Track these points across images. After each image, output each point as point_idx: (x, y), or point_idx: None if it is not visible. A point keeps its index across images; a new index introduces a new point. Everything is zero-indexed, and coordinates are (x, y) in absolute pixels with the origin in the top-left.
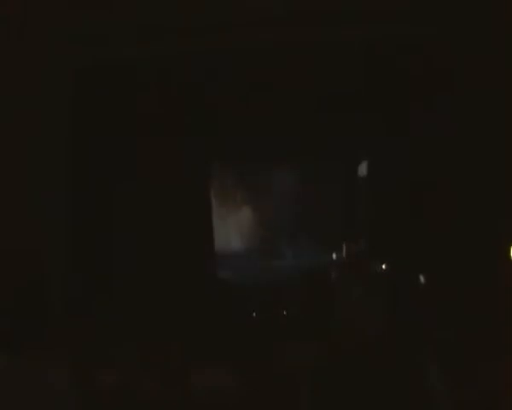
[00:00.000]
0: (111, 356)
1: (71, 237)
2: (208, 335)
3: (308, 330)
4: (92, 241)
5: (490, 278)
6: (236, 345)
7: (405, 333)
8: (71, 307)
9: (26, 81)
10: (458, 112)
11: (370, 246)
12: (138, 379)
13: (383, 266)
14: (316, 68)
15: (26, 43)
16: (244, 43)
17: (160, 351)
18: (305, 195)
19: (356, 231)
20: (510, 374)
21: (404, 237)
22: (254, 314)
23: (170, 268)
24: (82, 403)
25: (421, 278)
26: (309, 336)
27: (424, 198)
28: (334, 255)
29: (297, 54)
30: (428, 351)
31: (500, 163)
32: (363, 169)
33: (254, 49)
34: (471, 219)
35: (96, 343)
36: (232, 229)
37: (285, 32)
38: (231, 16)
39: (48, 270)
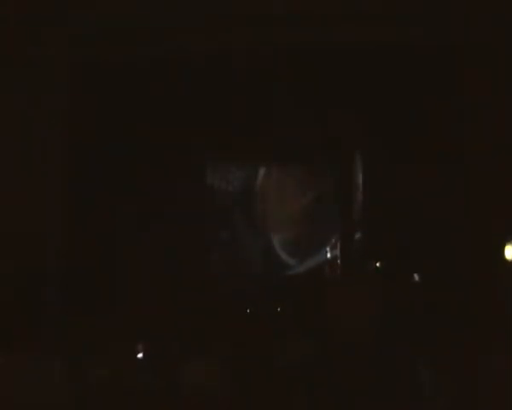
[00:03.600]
0: (106, 351)
1: (70, 237)
2: (205, 332)
3: (306, 327)
4: (91, 240)
5: (486, 277)
6: (233, 342)
7: (401, 331)
8: (68, 305)
9: (26, 81)
10: (458, 112)
11: (367, 245)
12: (133, 373)
13: (379, 265)
14: (317, 69)
15: (26, 42)
16: (243, 44)
17: (157, 347)
18: (302, 195)
19: (352, 231)
20: (506, 373)
21: (401, 236)
22: (248, 311)
23: (168, 265)
24: (77, 397)
25: (417, 277)
26: (306, 334)
27: (421, 198)
28: (330, 254)
29: (298, 54)
30: (424, 350)
31: (498, 165)
32: (360, 169)
33: (253, 49)
34: (469, 218)
35: (91, 338)
36: (232, 229)
37: (285, 33)
38: (231, 17)
39: (47, 270)
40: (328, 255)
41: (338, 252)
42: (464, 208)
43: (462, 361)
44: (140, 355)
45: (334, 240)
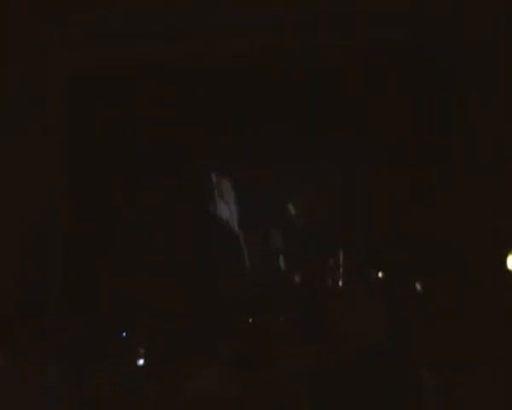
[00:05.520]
0: (107, 358)
1: (71, 238)
2: (208, 338)
3: (307, 335)
4: (91, 242)
5: (489, 285)
6: (236, 348)
7: (403, 339)
8: (69, 309)
9: (25, 82)
10: (457, 114)
11: (368, 252)
12: (135, 381)
13: (380, 273)
14: (316, 72)
15: (25, 43)
16: (244, 45)
17: (159, 354)
18: (304, 199)
19: (354, 238)
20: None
21: (403, 243)
22: (251, 320)
23: (168, 270)
24: (77, 404)
25: (419, 286)
26: (308, 341)
27: (423, 204)
28: (332, 262)
29: (298, 58)
30: (426, 358)
31: (500, 166)
32: (360, 174)
33: (254, 51)
34: (471, 225)
35: (92, 344)
36: (232, 232)
37: (286, 37)
38: (231, 18)
39: (48, 270)
40: (330, 262)
41: (340, 261)
42: (466, 216)
43: (464, 368)
44: (141, 362)
45: (336, 249)
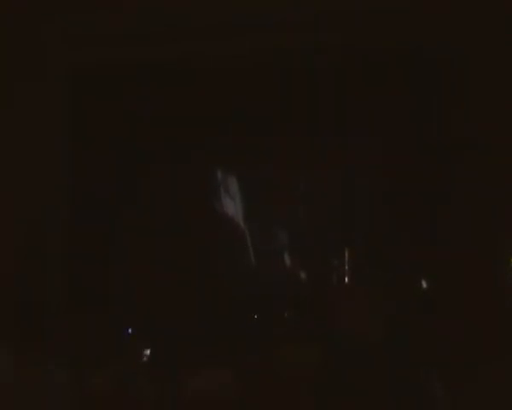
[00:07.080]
0: (107, 358)
1: (71, 238)
2: (208, 336)
3: (308, 335)
4: (92, 242)
5: (492, 285)
6: (237, 347)
7: (403, 339)
8: (70, 309)
9: (25, 82)
10: (457, 114)
11: (369, 252)
12: (136, 382)
13: (381, 273)
14: (316, 72)
15: (25, 43)
16: (244, 45)
17: (159, 354)
18: (306, 198)
19: (357, 237)
20: (507, 380)
21: (403, 243)
22: (256, 317)
23: (169, 268)
24: (78, 403)
25: (423, 285)
26: (309, 339)
27: (424, 204)
28: (336, 260)
29: (298, 58)
30: (426, 358)
31: (501, 166)
32: (364, 173)
33: (254, 51)
34: (471, 225)
35: (93, 344)
36: (232, 231)
37: (286, 37)
38: (231, 18)
39: (48, 270)
40: (332, 260)
41: (341, 261)
42: (467, 216)
43: (464, 368)
44: (141, 362)
45: (337, 248)
